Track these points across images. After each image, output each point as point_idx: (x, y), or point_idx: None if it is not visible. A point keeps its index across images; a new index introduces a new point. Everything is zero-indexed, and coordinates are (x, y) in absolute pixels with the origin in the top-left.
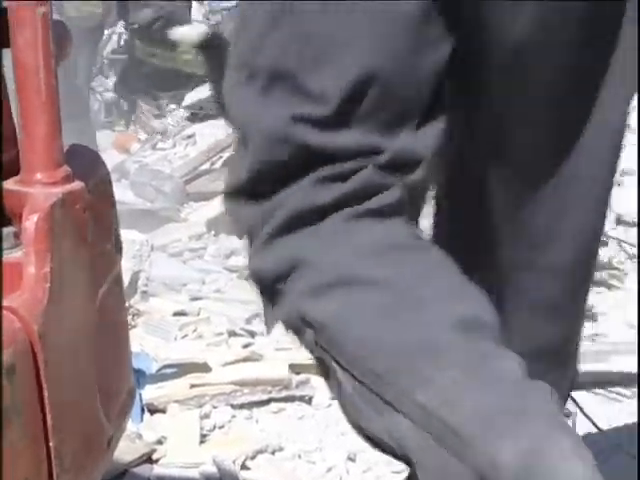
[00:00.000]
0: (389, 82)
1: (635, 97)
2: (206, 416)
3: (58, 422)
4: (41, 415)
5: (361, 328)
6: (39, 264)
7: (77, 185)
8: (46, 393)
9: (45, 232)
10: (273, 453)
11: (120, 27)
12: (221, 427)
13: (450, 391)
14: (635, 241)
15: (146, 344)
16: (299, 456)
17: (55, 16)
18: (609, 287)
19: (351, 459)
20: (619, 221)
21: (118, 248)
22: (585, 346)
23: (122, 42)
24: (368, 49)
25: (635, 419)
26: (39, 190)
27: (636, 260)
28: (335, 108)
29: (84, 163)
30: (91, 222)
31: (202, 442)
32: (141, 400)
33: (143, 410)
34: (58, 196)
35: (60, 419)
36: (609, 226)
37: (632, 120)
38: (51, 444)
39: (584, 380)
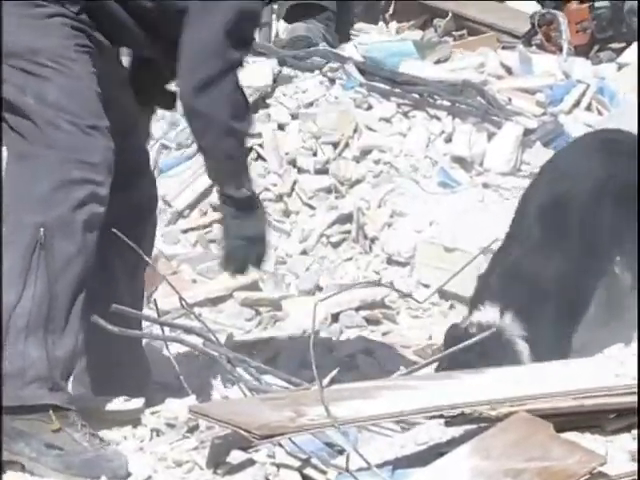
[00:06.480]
0: None
1: None
2: None
3: None
4: None
5: None
6: None
7: None
8: None
9: None
10: None
11: None
12: None
13: None
14: (405, 281)
15: None
16: None
17: None
18: (378, 324)
19: None
20: (390, 261)
21: None
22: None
23: None
24: None
25: (406, 452)
26: None
27: (407, 299)
28: None
29: None
30: None
31: None
32: None
33: None
34: None
35: None
36: (381, 266)
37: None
38: None
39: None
